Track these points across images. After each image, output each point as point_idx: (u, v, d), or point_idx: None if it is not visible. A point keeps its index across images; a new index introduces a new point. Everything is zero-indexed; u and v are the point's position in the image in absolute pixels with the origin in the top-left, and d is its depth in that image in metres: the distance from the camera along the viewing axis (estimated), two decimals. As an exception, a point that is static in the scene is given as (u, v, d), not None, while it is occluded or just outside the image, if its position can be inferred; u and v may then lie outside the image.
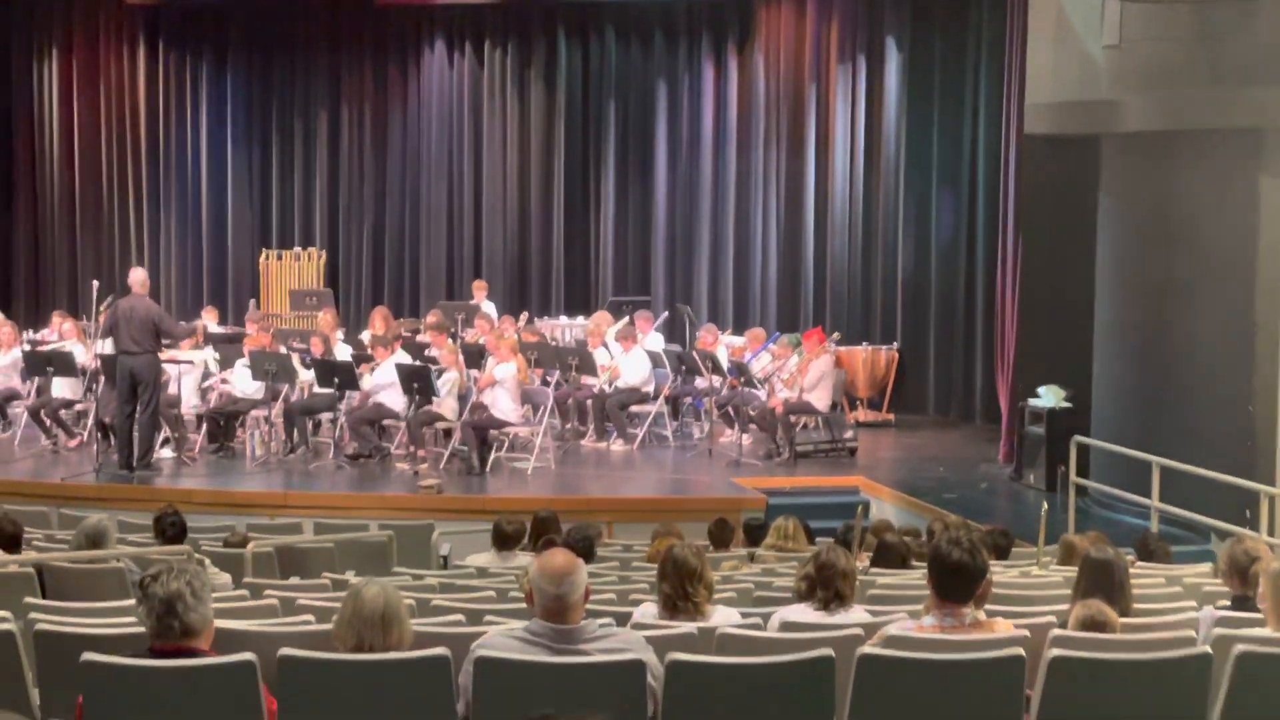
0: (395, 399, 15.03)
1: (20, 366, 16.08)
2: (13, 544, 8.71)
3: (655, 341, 17.33)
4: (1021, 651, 5.06)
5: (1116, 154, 14.21)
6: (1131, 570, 6.68)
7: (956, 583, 5.26)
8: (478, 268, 21.54)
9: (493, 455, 14.80)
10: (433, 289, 21.75)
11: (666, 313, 19.18)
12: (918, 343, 19.26)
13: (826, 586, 6.27)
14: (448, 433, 15.45)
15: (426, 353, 16.20)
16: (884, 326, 19.81)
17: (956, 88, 18.77)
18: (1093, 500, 13.85)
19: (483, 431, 14.76)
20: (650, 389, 16.49)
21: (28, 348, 16.30)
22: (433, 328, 16.52)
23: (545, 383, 15.90)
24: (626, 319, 17.55)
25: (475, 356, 16.03)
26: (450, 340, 16.12)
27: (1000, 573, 8.32)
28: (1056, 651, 5.15)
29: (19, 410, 16.17)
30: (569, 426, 16.70)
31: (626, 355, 16.43)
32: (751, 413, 16.09)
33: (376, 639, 5.03)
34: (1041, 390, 14.67)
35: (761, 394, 16.18)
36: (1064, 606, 6.36)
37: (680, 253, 21.53)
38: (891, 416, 18.61)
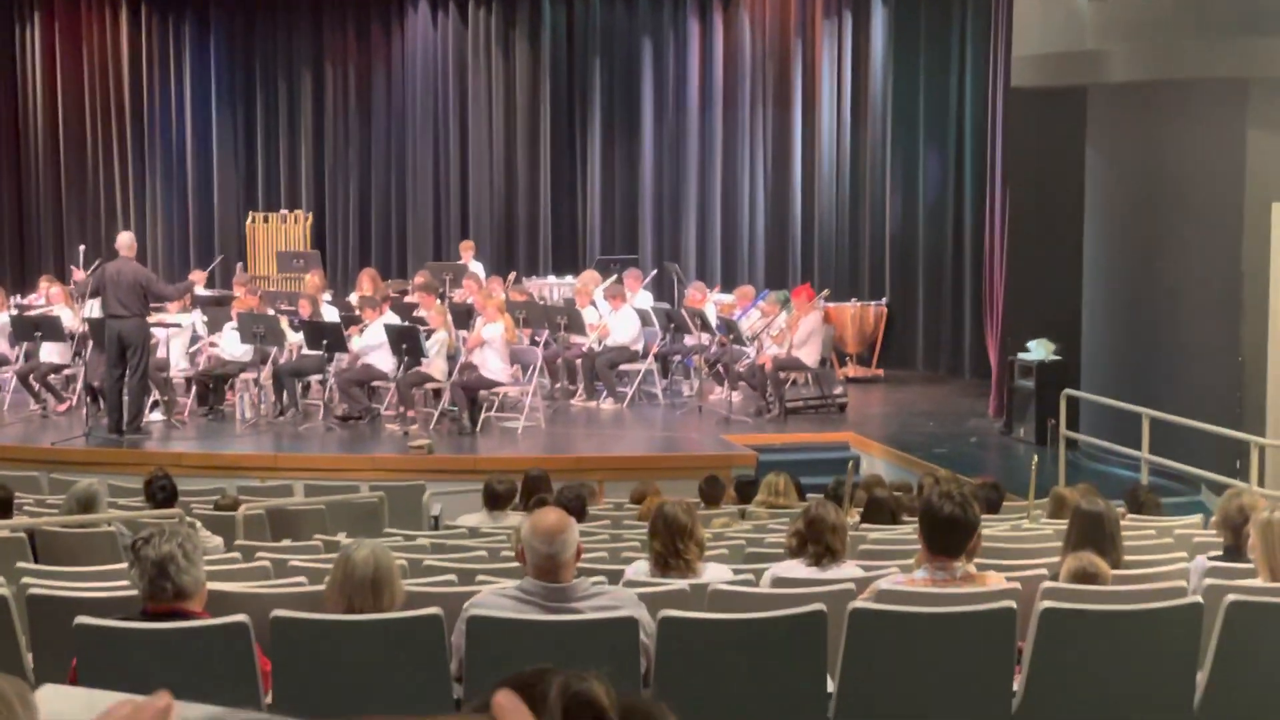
0: (384, 360, 15.00)
1: (8, 332, 15.97)
2: (4, 509, 8.71)
3: (644, 299, 17.32)
4: (1013, 604, 5.05)
5: (1104, 106, 14.21)
6: (1122, 522, 6.72)
7: (948, 536, 5.25)
8: (464, 228, 21.50)
9: (482, 415, 14.79)
10: (420, 250, 21.69)
11: (655, 271, 19.19)
12: (906, 298, 19.31)
13: (817, 542, 6.25)
14: (437, 393, 15.42)
15: (415, 313, 16.05)
16: (873, 282, 19.81)
17: (943, 42, 18.74)
18: (1083, 453, 13.89)
19: (472, 391, 14.76)
20: (639, 347, 16.46)
21: (15, 313, 16.23)
22: (420, 288, 16.42)
23: (534, 342, 15.76)
24: (615, 277, 17.53)
25: (463, 317, 15.90)
26: (438, 301, 16.02)
27: (991, 526, 8.32)
28: (1048, 603, 5.14)
29: (8, 375, 16.12)
30: (558, 386, 16.61)
31: (615, 314, 16.41)
32: (741, 370, 16.06)
33: (367, 603, 4.99)
34: (1031, 344, 14.71)
35: (750, 351, 16.17)
36: (1055, 559, 6.34)
37: (668, 211, 21.47)
38: (881, 372, 18.63)
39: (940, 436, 14.99)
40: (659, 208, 21.51)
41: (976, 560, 5.54)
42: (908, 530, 7.96)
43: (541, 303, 17.10)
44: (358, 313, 15.87)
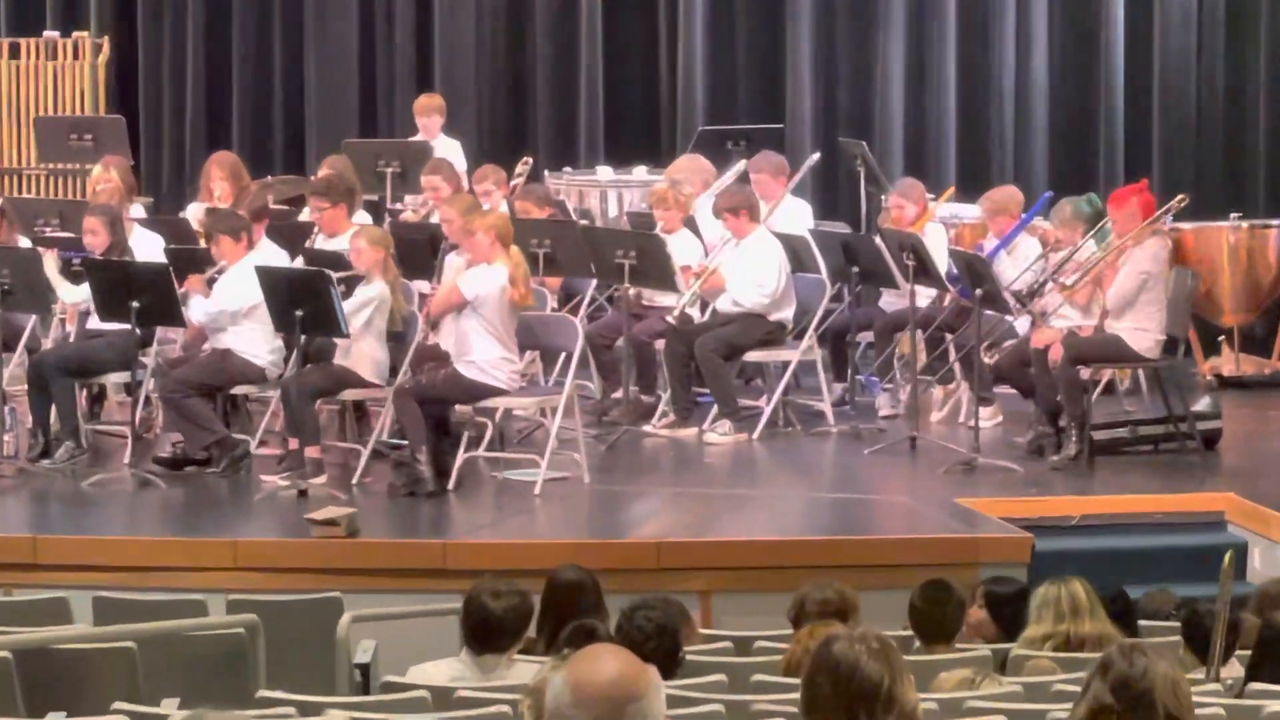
0: (258, 340, 13.62)
1: None
2: None
3: (795, 217, 15.62)
4: None
5: None
6: None
7: None
8: (425, 73, 19.42)
9: (461, 456, 13.29)
10: (330, 115, 19.60)
11: (815, 156, 16.81)
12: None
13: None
14: (362, 411, 14.18)
15: (319, 244, 14.44)
16: (1272, 185, 18.43)
17: None
18: None
19: (439, 408, 13.42)
20: (785, 315, 14.73)
21: None
22: (327, 194, 14.63)
23: (568, 306, 14.81)
24: (735, 169, 16.01)
25: (422, 251, 14.35)
26: (370, 222, 14.90)
27: None
28: None
29: None
30: (616, 395, 14.88)
31: (737, 246, 14.69)
32: (997, 361, 14.42)
33: None
34: None
35: (1020, 323, 14.58)
36: None
37: (845, 38, 19.45)
38: (1291, 368, 18.31)
39: None
40: (824, 29, 19.34)
41: None
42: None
43: (584, 223, 15.89)
44: (204, 244, 14.32)
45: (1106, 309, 13.89)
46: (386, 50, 19.84)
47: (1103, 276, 13.95)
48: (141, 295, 13.16)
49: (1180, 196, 14.69)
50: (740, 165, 16.14)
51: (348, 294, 13.22)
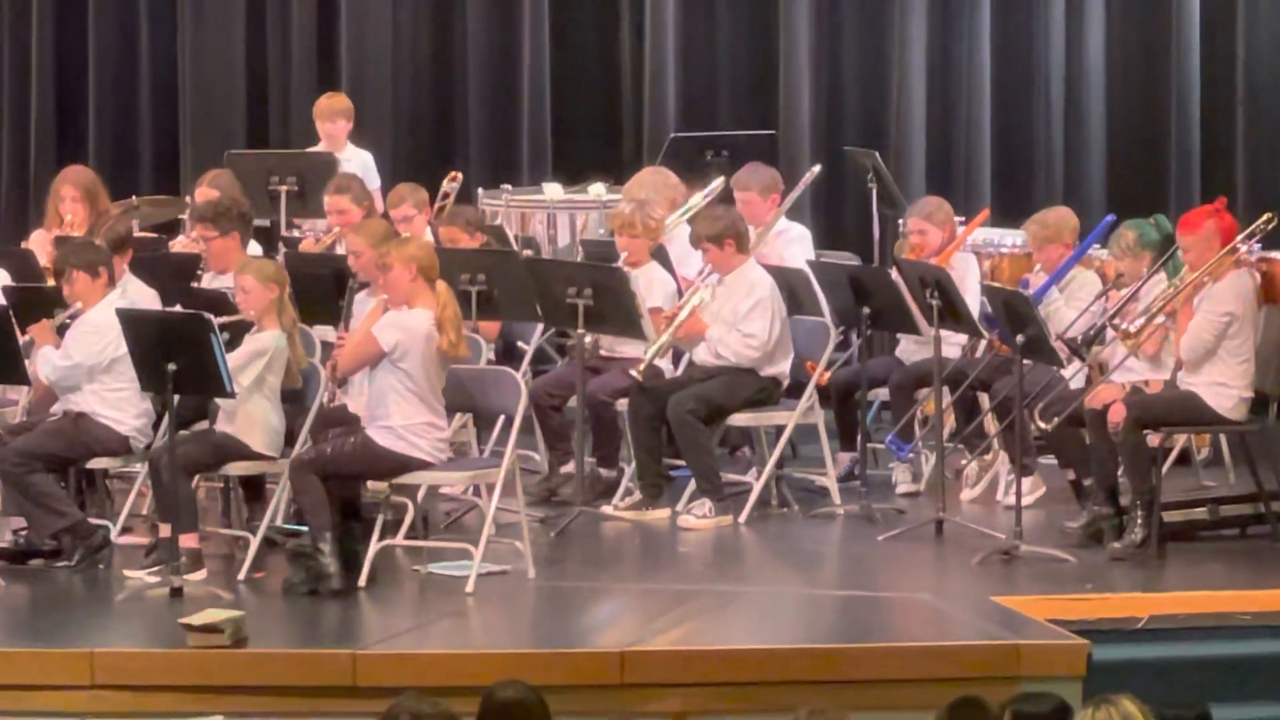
0: (121, 402, 13.24)
1: None
2: None
3: (792, 245, 15.37)
4: None
5: None
6: None
7: None
8: (328, 69, 18.98)
9: (375, 544, 12.79)
10: (209, 120, 19.10)
11: (816, 169, 16.50)
12: None
13: None
14: (256, 489, 13.70)
15: (201, 282, 14.22)
16: None
17: None
18: None
19: (347, 486, 13.02)
20: (779, 369, 14.28)
21: None
22: (215, 220, 14.26)
23: (508, 355, 14.32)
24: (712, 187, 15.67)
25: (325, 290, 13.98)
26: (260, 253, 14.61)
27: None
28: None
29: None
30: (565, 471, 14.42)
31: (720, 283, 14.35)
32: (1043, 425, 13.79)
33: None
34: None
35: (1074, 376, 13.97)
36: None
37: (853, 23, 19.19)
38: None
39: None
40: (827, 19, 19.00)
41: None
42: None
43: (528, 253, 15.49)
44: (51, 281, 14.02)
45: (1180, 359, 13.41)
46: (280, 40, 19.28)
47: (1176, 318, 13.54)
48: (-36, 346, 12.35)
49: (1267, 216, 14.01)
50: (719, 181, 15.68)
51: (233, 344, 12.70)
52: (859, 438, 14.72)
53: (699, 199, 15.46)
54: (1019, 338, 13.43)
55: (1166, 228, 14.25)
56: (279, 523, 13.18)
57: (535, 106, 19.57)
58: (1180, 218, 14.55)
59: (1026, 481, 13.91)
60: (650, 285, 14.55)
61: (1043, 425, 13.73)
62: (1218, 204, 14.63)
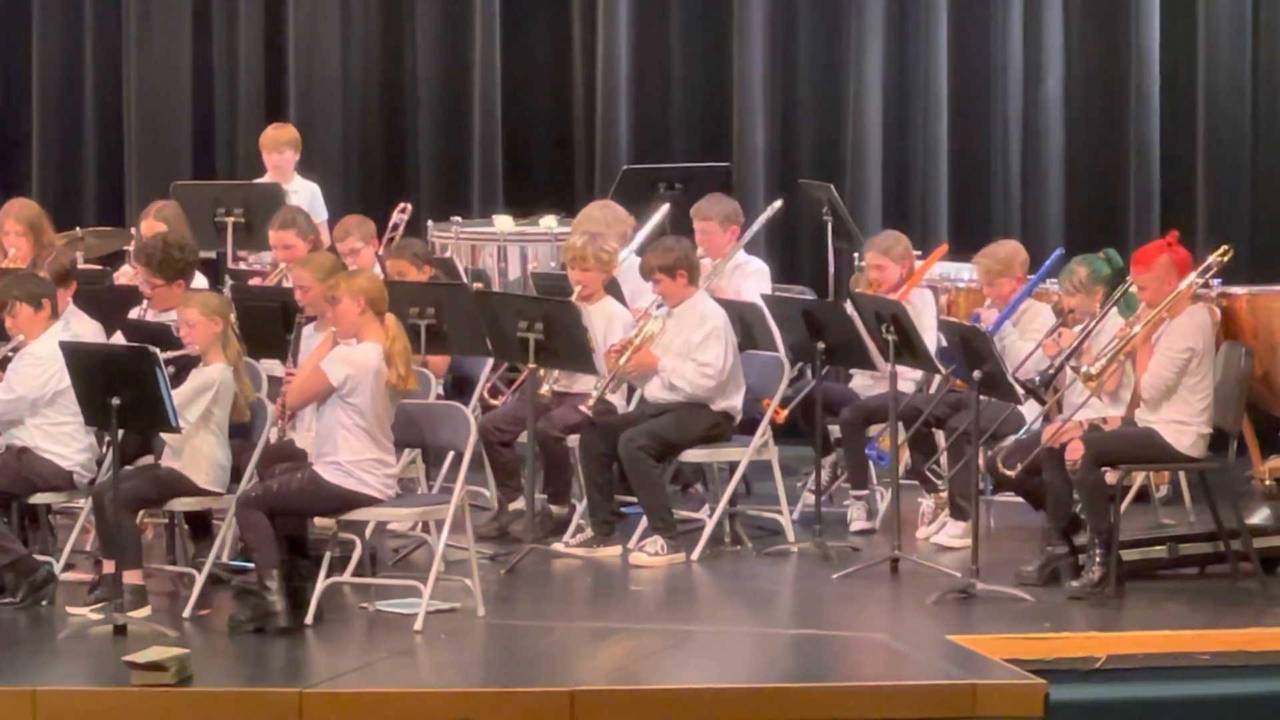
0: (64, 436, 13.48)
1: None
2: None
3: (750, 279, 15.65)
4: None
5: None
6: None
7: None
8: (276, 98, 19.14)
9: (323, 582, 12.96)
10: (154, 150, 19.25)
11: (777, 204, 16.74)
12: None
13: None
14: (202, 525, 13.67)
15: (143, 314, 14.23)
16: None
17: None
18: None
19: (294, 523, 13.17)
20: (732, 404, 14.40)
21: None
22: (162, 270, 14.30)
23: (457, 391, 14.48)
24: (657, 216, 16.18)
25: (273, 324, 14.10)
26: (206, 286, 14.78)
27: None
28: None
29: None
30: (515, 508, 14.59)
31: (670, 315, 14.51)
32: (1001, 465, 13.90)
33: None
34: None
35: (1031, 414, 14.06)
36: None
37: (808, 54, 19.35)
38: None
39: None
40: (782, 50, 19.29)
41: None
42: None
43: (478, 286, 15.60)
44: None
45: (1140, 393, 13.53)
46: (227, 70, 19.45)
47: (1140, 355, 13.67)
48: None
49: (1222, 249, 14.05)
50: (664, 210, 16.10)
51: (179, 378, 12.85)
52: (814, 470, 15.03)
53: (647, 230, 15.87)
54: (975, 373, 13.72)
55: (1117, 262, 14.57)
56: (225, 559, 13.37)
57: (486, 138, 19.83)
58: (1133, 255, 14.83)
59: (960, 526, 14.39)
60: (610, 322, 14.86)
61: (1007, 472, 13.92)
62: (1170, 238, 14.85)
